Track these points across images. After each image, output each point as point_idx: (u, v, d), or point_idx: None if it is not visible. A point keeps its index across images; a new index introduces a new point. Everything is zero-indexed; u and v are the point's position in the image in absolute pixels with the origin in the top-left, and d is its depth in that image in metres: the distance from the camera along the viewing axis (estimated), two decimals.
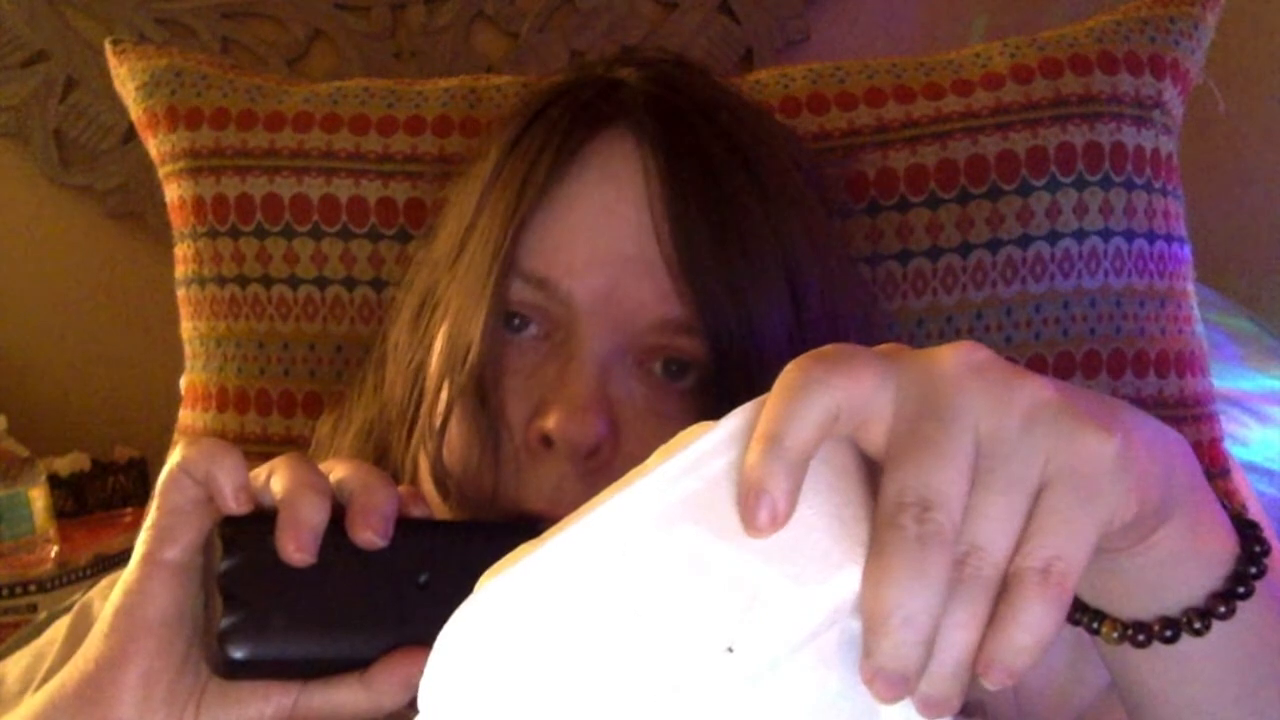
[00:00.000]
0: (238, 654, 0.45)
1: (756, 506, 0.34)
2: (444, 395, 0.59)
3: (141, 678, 0.46)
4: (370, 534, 0.46)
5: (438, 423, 0.59)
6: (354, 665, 0.46)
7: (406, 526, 0.48)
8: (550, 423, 0.55)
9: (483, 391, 0.57)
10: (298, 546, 0.45)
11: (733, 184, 0.60)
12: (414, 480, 0.62)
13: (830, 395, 0.35)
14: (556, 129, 0.61)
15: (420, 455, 0.60)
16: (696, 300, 0.57)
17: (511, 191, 0.60)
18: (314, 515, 0.46)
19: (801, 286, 0.61)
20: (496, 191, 0.61)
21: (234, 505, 0.46)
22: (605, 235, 0.58)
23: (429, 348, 0.63)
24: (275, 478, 0.47)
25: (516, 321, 0.59)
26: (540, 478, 0.56)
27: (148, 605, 0.47)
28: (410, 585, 0.47)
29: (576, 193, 0.59)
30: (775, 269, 0.60)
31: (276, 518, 0.46)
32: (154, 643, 0.47)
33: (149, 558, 0.47)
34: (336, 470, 0.49)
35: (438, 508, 0.58)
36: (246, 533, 0.46)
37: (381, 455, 0.66)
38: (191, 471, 0.47)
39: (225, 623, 0.45)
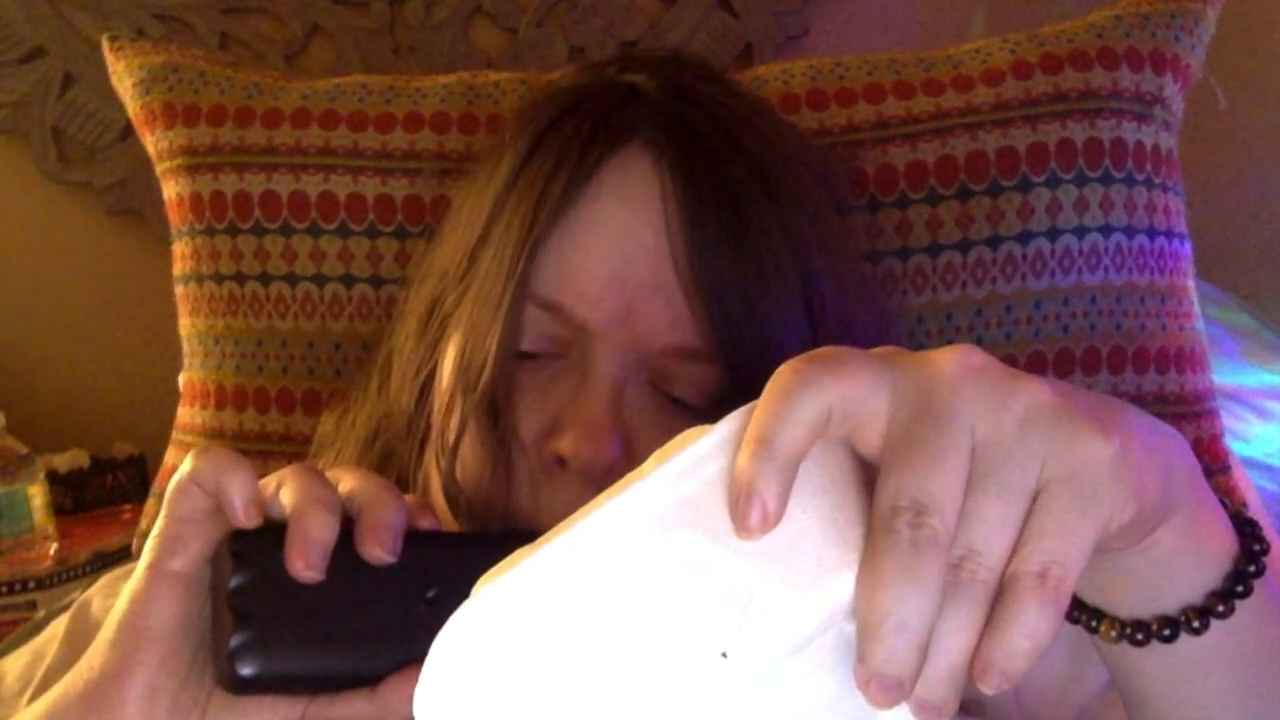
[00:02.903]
0: (248, 671, 0.45)
1: (747, 508, 0.34)
2: (456, 413, 0.58)
3: (146, 688, 0.46)
4: (380, 550, 0.46)
5: (450, 440, 0.58)
6: (362, 681, 0.46)
7: (414, 540, 0.47)
8: (565, 444, 0.54)
9: (495, 411, 0.57)
10: (307, 564, 0.45)
11: (748, 198, 0.59)
12: (424, 492, 0.62)
13: (821, 396, 0.35)
14: (572, 145, 0.60)
15: (432, 470, 0.60)
16: (713, 326, 0.57)
17: (526, 210, 0.59)
18: (323, 532, 0.45)
19: (816, 295, 0.61)
20: (510, 207, 0.60)
21: (244, 519, 0.46)
22: (621, 259, 0.57)
23: (438, 360, 0.62)
24: (285, 490, 0.47)
25: (530, 342, 0.58)
26: (554, 498, 0.55)
27: (152, 615, 0.46)
28: (418, 600, 0.46)
29: (593, 215, 0.58)
30: (791, 282, 0.59)
31: (285, 532, 0.46)
32: (159, 653, 0.46)
33: (155, 567, 0.47)
34: (345, 481, 0.49)
35: (448, 522, 0.58)
36: (256, 548, 0.46)
37: (386, 457, 0.66)
38: (201, 482, 0.47)
39: (235, 640, 0.45)
